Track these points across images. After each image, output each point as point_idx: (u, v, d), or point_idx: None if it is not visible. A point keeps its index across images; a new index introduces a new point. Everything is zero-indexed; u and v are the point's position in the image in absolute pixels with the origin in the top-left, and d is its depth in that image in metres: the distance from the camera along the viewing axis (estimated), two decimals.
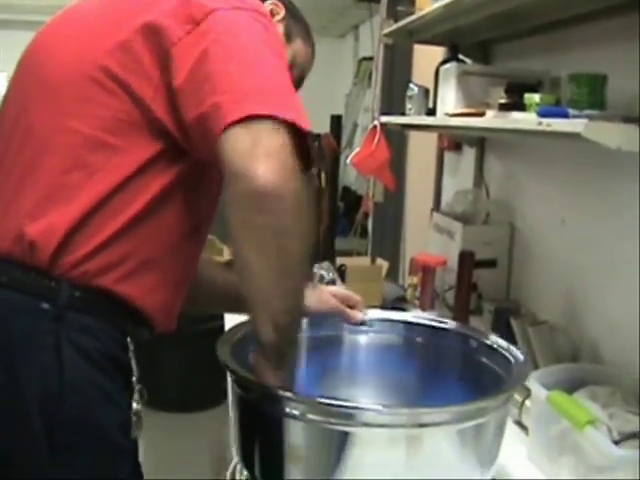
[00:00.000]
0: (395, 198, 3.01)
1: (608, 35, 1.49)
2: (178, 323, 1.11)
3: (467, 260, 1.85)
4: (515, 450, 1.27)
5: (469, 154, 2.27)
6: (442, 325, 1.25)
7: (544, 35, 1.73)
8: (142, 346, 1.07)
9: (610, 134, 1.02)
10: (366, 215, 3.39)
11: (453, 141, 2.38)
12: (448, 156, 2.48)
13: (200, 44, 0.92)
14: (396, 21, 2.15)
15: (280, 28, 1.21)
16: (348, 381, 1.24)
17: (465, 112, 1.57)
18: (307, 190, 0.90)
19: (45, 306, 0.94)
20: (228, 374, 1.01)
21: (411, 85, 2.02)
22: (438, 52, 2.18)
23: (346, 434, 0.87)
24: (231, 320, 1.17)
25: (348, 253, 2.99)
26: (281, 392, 0.90)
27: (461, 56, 1.99)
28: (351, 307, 1.29)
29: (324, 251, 2.26)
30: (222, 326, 1.69)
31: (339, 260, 2.34)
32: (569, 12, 1.52)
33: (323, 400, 0.88)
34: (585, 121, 1.04)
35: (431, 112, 1.92)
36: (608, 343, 1.48)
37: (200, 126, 0.91)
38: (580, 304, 1.60)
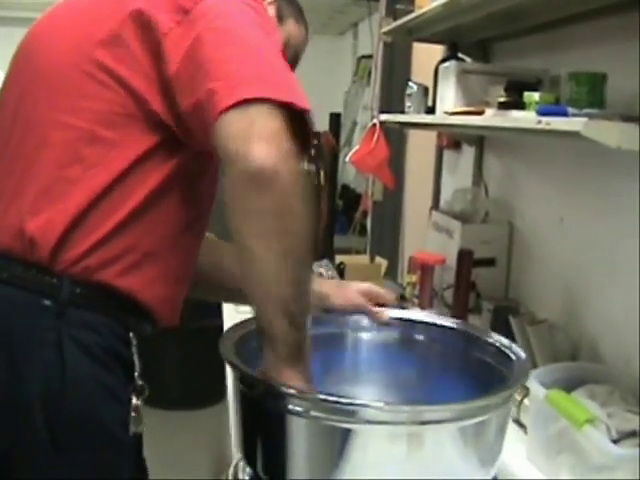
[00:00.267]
0: (394, 196, 3.01)
1: (608, 34, 1.49)
2: (181, 317, 1.11)
3: (466, 259, 1.85)
4: (514, 449, 1.27)
5: (468, 153, 2.27)
6: (445, 323, 1.25)
7: (544, 34, 1.73)
8: (144, 342, 1.07)
9: (609, 133, 1.02)
10: (365, 213, 3.39)
11: (452, 139, 2.38)
12: (447, 155, 2.48)
13: (191, 32, 0.92)
14: (395, 19, 2.15)
15: (272, 10, 1.22)
16: (351, 379, 1.24)
17: (464, 110, 1.57)
18: (306, 173, 0.89)
19: (46, 303, 0.94)
20: (230, 371, 1.01)
21: (410, 83, 2.02)
22: (437, 50, 2.18)
23: (348, 431, 0.87)
24: (230, 318, 1.17)
25: (347, 251, 2.99)
26: (284, 389, 0.89)
27: (460, 54, 1.98)
28: (380, 305, 1.26)
29: (323, 249, 2.26)
30: (221, 324, 1.69)
31: (338, 258, 2.34)
32: (569, 11, 1.52)
33: (326, 397, 0.88)
34: (584, 120, 1.04)
35: (430, 110, 1.92)
36: (607, 342, 1.48)
37: (196, 114, 0.91)
38: (579, 303, 1.60)
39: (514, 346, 1.12)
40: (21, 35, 1.11)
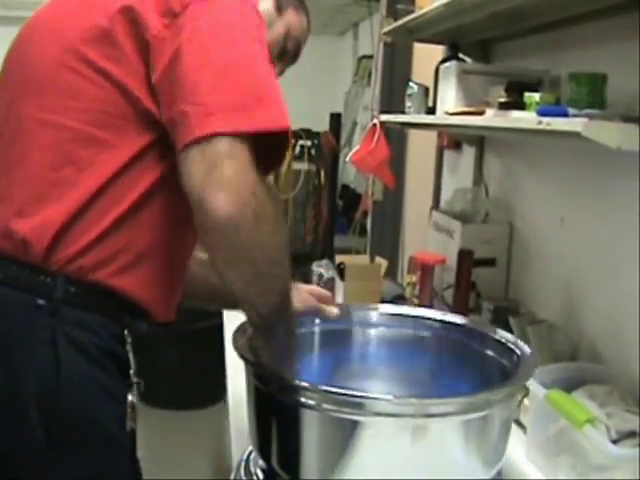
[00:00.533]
0: (394, 196, 3.01)
1: (608, 34, 1.49)
2: (177, 317, 1.11)
3: (466, 259, 1.85)
4: (513, 449, 1.27)
5: (469, 153, 2.27)
6: (451, 320, 1.27)
7: (544, 34, 1.73)
8: (141, 342, 1.07)
9: (610, 133, 1.02)
10: (365, 213, 3.39)
11: (453, 140, 2.38)
12: (448, 155, 2.48)
13: (174, 41, 0.91)
14: (396, 19, 2.15)
15: (269, 2, 1.21)
16: (359, 374, 1.27)
17: (465, 111, 1.57)
18: (269, 193, 0.92)
19: (40, 302, 0.94)
20: (244, 366, 1.03)
21: (411, 83, 2.02)
22: (438, 50, 2.18)
23: (358, 423, 0.90)
24: (230, 317, 1.17)
25: (347, 251, 3.00)
26: (297, 383, 0.94)
27: (461, 55, 1.98)
28: (326, 304, 1.30)
29: (323, 249, 2.26)
30: (221, 324, 1.69)
31: (338, 258, 2.34)
32: (569, 11, 1.52)
33: (337, 390, 0.92)
34: (585, 120, 1.04)
35: (431, 111, 1.92)
36: (607, 342, 1.48)
37: (170, 128, 0.92)
38: (579, 303, 1.60)
39: (519, 342, 1.13)
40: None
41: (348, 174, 4.65)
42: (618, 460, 1.06)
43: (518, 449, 1.28)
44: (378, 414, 0.90)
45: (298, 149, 3.83)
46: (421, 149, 2.81)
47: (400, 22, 2.06)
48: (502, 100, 1.43)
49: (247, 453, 1.12)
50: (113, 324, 0.99)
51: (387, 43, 2.52)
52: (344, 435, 0.91)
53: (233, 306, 1.05)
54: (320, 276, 2.02)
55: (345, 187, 4.73)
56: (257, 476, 1.06)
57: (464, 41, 2.02)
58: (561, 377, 1.29)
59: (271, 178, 3.27)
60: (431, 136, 2.49)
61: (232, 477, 1.10)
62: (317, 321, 1.27)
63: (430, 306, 1.94)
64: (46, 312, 0.94)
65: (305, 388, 0.92)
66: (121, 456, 1.01)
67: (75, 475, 0.96)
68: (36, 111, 0.99)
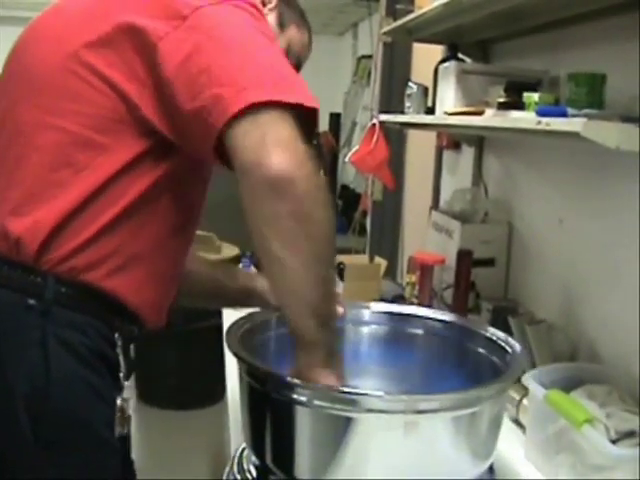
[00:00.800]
0: (394, 196, 3.01)
1: (607, 34, 1.49)
2: (170, 318, 1.11)
3: (465, 259, 1.85)
4: (512, 449, 1.27)
5: (468, 153, 2.27)
6: (442, 318, 1.27)
7: (543, 34, 1.73)
8: (141, 342, 1.07)
9: (609, 133, 1.02)
10: (365, 213, 3.40)
11: (452, 140, 2.38)
12: (447, 155, 2.48)
13: (190, 39, 0.92)
14: (395, 19, 2.15)
15: (272, 17, 1.21)
16: (351, 372, 1.27)
17: (464, 111, 1.57)
18: (322, 175, 0.90)
19: (31, 302, 0.94)
20: (237, 364, 1.03)
21: (410, 83, 2.02)
22: (437, 51, 2.18)
23: (350, 419, 0.90)
24: (230, 317, 1.17)
25: (346, 251, 2.99)
26: (289, 380, 0.93)
27: (460, 55, 1.98)
28: None
29: None
30: (220, 324, 1.69)
31: (337, 258, 2.34)
32: (568, 11, 1.52)
33: (329, 387, 0.92)
34: (584, 120, 1.04)
35: (430, 111, 1.92)
36: (606, 342, 1.48)
37: (198, 119, 0.91)
38: (578, 303, 1.60)
39: (510, 339, 1.14)
40: (18, 34, 1.11)
41: (347, 174, 4.66)
42: (617, 460, 1.06)
43: (517, 449, 1.28)
44: (370, 410, 0.90)
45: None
46: (420, 149, 2.81)
47: (399, 22, 2.06)
48: (501, 100, 1.43)
49: (240, 450, 1.12)
50: (103, 326, 0.99)
51: (386, 43, 2.52)
52: (336, 431, 0.91)
53: (237, 303, 1.04)
54: None
55: (344, 187, 4.74)
56: (250, 473, 1.06)
57: (463, 41, 2.02)
58: (560, 377, 1.29)
59: None
60: (430, 136, 2.50)
61: (225, 474, 1.10)
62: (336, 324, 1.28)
63: (429, 306, 1.94)
64: (36, 312, 0.94)
65: (297, 385, 0.92)
66: (111, 457, 1.01)
67: (65, 475, 0.96)
68: (36, 113, 0.99)
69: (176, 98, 0.93)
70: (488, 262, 1.96)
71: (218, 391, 1.62)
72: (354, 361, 1.28)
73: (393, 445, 0.92)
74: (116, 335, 1.00)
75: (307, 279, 0.89)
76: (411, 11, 1.97)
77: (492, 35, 1.99)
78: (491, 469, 1.07)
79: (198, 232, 1.17)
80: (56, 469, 0.95)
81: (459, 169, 2.38)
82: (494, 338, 1.15)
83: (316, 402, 0.92)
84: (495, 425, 1.01)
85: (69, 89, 0.97)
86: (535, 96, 1.33)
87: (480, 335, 1.19)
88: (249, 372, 1.01)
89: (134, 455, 1.08)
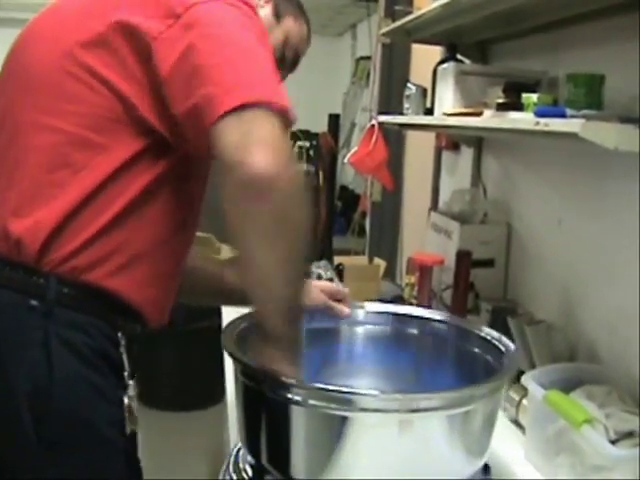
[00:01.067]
0: (393, 197, 3.01)
1: (606, 35, 1.49)
2: (170, 318, 1.11)
3: (464, 259, 1.85)
4: (512, 449, 1.27)
5: (467, 154, 2.27)
6: (437, 317, 1.28)
7: (542, 35, 1.73)
8: (139, 343, 1.07)
9: (607, 134, 1.02)
10: (364, 214, 3.40)
11: (451, 141, 2.38)
12: (446, 156, 2.48)
13: (184, 38, 0.93)
14: (394, 20, 2.15)
15: (268, 9, 1.22)
16: (346, 372, 1.28)
17: (463, 112, 1.57)
18: (305, 173, 0.90)
19: (33, 302, 0.94)
20: (232, 363, 1.03)
21: (409, 84, 2.02)
22: (436, 52, 2.19)
23: (345, 418, 0.91)
24: (229, 317, 1.17)
25: (346, 252, 2.99)
26: (285, 379, 0.93)
27: (459, 56, 1.98)
28: (338, 301, 1.29)
29: (322, 250, 2.26)
30: (220, 324, 1.69)
31: (337, 259, 2.34)
32: (567, 12, 1.52)
33: (324, 386, 0.93)
34: (582, 121, 1.04)
35: (429, 112, 1.92)
36: (605, 343, 1.48)
37: (192, 118, 0.92)
38: (577, 304, 1.60)
39: (504, 338, 1.14)
40: (14, 36, 1.11)
41: (347, 175, 4.66)
42: (617, 460, 1.06)
43: (517, 450, 1.28)
44: (364, 409, 0.91)
45: (296, 150, 3.84)
46: (419, 150, 2.81)
47: (398, 23, 2.06)
48: (500, 101, 1.43)
49: (236, 450, 1.12)
50: (106, 325, 0.99)
51: (385, 44, 2.52)
52: (331, 430, 0.92)
53: (242, 302, 1.04)
54: (319, 277, 2.02)
55: (344, 188, 4.74)
56: (246, 472, 1.06)
57: (462, 42, 2.02)
58: (559, 377, 1.29)
59: None
60: (429, 137, 2.50)
61: (221, 473, 1.10)
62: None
63: (429, 307, 1.94)
64: (39, 313, 0.94)
65: (292, 385, 0.93)
66: (115, 457, 1.00)
67: (68, 476, 0.96)
68: (33, 114, 0.99)
69: (171, 97, 0.93)
70: (487, 263, 1.96)
71: (218, 392, 1.61)
72: (349, 361, 1.30)
73: (388, 444, 0.93)
74: (119, 334, 1.00)
75: (279, 277, 0.90)
76: (410, 12, 1.97)
77: (491, 36, 1.99)
78: (486, 468, 1.08)
79: (198, 233, 1.17)
80: (58, 469, 0.95)
81: (458, 170, 2.38)
82: (488, 338, 1.16)
83: (311, 401, 0.92)
84: (489, 424, 1.02)
85: (65, 89, 0.98)
86: (534, 97, 1.33)
87: (474, 335, 1.19)
88: (244, 372, 1.01)
89: None
